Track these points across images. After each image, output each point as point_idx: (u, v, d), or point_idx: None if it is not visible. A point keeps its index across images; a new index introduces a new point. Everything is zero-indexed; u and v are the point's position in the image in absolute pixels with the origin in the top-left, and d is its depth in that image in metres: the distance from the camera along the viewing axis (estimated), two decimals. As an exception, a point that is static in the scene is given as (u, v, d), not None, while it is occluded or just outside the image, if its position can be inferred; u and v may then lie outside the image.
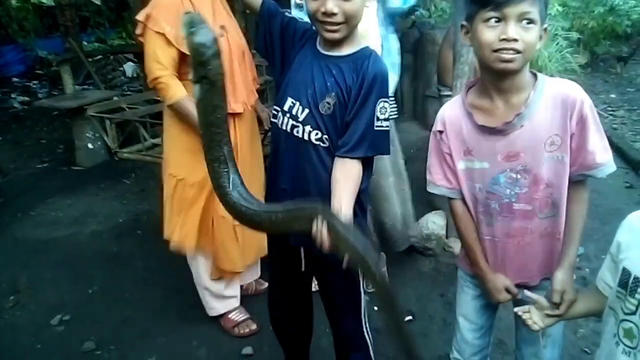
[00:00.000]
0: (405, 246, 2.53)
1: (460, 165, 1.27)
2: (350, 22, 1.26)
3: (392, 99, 1.99)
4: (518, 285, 1.28)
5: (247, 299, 2.31)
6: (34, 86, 7.56)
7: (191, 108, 1.76)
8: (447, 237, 2.59)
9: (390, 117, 1.34)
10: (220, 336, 2.16)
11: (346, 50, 1.32)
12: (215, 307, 2.19)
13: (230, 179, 1.20)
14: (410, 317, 2.21)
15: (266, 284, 2.26)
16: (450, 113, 1.28)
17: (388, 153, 1.39)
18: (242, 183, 1.22)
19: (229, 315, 2.19)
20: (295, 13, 2.35)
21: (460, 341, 1.45)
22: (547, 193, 1.21)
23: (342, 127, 1.30)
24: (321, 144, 1.31)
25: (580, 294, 1.17)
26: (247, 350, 2.07)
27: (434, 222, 2.59)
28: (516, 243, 1.26)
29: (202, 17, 1.13)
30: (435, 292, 2.39)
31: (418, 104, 4.69)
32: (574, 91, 1.15)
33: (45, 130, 5.37)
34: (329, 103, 1.29)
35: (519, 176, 1.20)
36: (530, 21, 1.07)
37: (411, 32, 4.68)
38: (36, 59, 8.46)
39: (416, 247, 2.61)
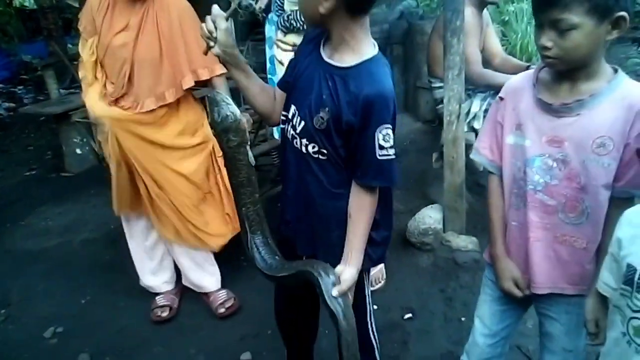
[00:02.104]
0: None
1: (509, 140, 1.23)
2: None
3: None
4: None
5: (249, 299, 2.28)
6: (20, 92, 7.41)
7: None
8: (444, 232, 2.56)
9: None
10: (218, 343, 2.12)
11: (347, 61, 1.19)
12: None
13: (255, 245, 1.31)
14: (410, 315, 2.19)
15: (231, 301, 2.25)
16: (516, 82, 1.25)
17: (395, 184, 1.28)
18: (265, 244, 1.31)
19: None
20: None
21: (471, 344, 1.41)
22: (579, 197, 1.14)
23: (342, 143, 1.22)
24: (320, 157, 1.25)
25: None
26: (246, 355, 2.03)
27: (431, 217, 2.56)
28: (530, 236, 1.21)
29: (221, 97, 1.23)
30: (434, 288, 2.35)
31: (409, 96, 4.63)
32: None
33: (33, 136, 5.26)
34: (322, 118, 1.20)
35: (554, 165, 1.14)
36: (568, 27, 1.02)
37: (400, 23, 4.62)
38: (21, 64, 8.28)
39: (413, 242, 2.58)
